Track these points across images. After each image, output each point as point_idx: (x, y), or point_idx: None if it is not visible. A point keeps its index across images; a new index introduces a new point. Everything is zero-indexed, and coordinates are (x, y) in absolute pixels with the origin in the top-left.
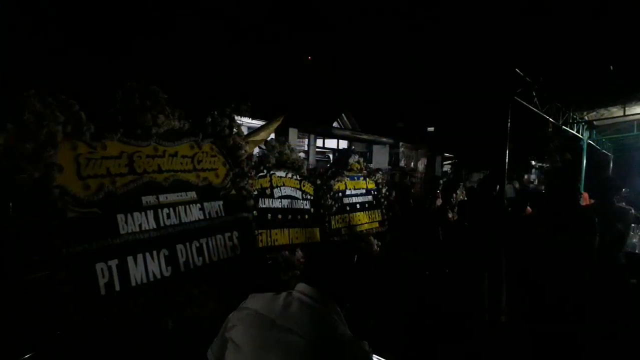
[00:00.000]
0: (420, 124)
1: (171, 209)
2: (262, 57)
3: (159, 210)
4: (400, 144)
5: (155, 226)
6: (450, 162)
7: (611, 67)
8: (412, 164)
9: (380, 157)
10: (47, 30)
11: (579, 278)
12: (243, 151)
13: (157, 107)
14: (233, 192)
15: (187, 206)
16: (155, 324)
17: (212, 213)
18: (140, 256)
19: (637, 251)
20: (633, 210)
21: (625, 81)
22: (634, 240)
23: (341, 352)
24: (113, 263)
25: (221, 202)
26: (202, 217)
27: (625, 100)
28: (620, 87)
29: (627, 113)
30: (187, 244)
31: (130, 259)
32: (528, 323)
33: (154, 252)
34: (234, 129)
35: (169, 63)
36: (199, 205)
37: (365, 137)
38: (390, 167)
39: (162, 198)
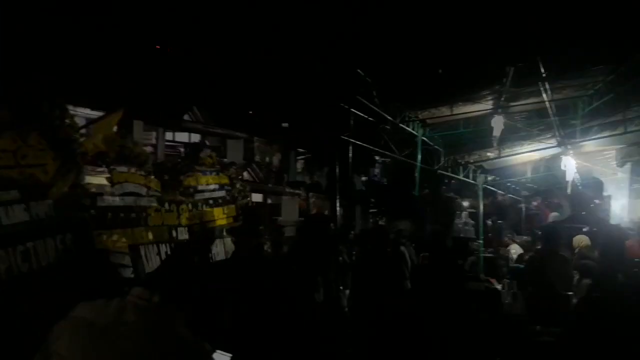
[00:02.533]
0: (276, 119)
1: None
2: (102, 44)
3: None
4: (255, 138)
5: None
6: (303, 157)
7: (440, 71)
8: (267, 158)
9: (235, 152)
10: None
11: (412, 260)
12: (77, 145)
13: None
14: (65, 189)
15: (8, 207)
16: None
17: (40, 214)
18: None
19: (461, 235)
20: (459, 199)
21: (452, 83)
22: (459, 225)
23: (179, 355)
24: None
25: (51, 202)
26: (27, 218)
27: (452, 100)
28: (447, 88)
29: (454, 112)
30: (10, 249)
31: None
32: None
33: None
34: (67, 120)
35: None
36: (23, 205)
37: (218, 131)
38: (245, 161)
39: None
